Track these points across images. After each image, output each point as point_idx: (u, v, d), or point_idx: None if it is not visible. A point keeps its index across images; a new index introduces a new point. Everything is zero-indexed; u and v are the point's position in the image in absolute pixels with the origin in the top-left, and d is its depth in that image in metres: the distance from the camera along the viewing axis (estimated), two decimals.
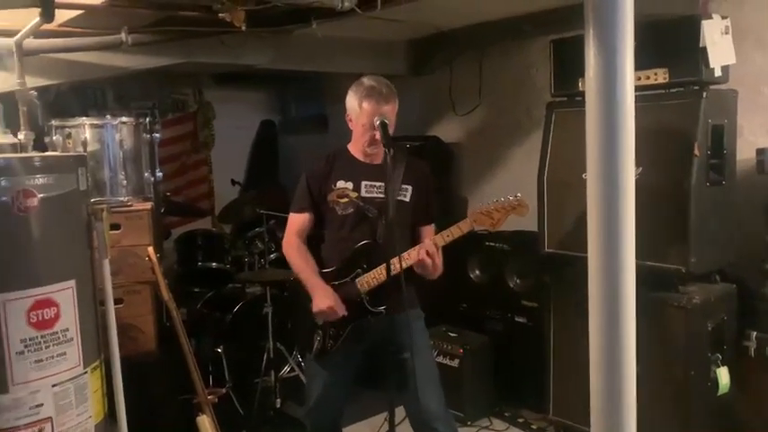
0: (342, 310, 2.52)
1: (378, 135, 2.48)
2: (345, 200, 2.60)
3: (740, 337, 3.03)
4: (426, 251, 2.45)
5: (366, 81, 2.54)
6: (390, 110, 2.51)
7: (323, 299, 2.51)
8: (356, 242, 2.58)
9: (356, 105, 2.53)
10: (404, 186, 2.63)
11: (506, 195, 2.52)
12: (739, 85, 3.08)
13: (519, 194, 2.51)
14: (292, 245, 2.66)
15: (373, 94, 2.48)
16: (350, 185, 2.60)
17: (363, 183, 2.61)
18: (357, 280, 2.57)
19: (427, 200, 2.71)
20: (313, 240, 2.72)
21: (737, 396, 3.01)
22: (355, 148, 2.65)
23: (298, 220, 2.68)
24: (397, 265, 2.36)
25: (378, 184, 2.59)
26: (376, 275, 2.53)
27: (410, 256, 2.48)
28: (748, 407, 3.00)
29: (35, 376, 1.93)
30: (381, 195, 2.58)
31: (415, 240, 2.65)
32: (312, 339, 2.62)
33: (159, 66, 3.52)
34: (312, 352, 2.64)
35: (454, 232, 2.49)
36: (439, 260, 2.49)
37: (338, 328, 2.60)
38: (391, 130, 2.51)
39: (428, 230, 2.70)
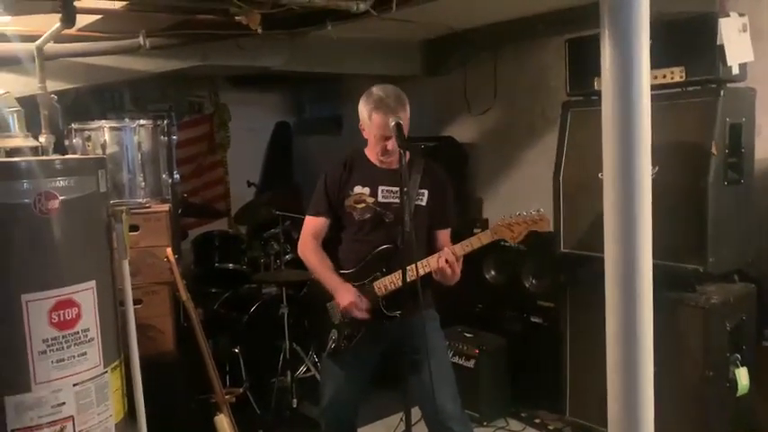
0: (365, 305, 2.54)
1: (390, 145, 2.52)
2: (362, 205, 2.61)
3: (760, 338, 3.00)
4: (446, 259, 2.46)
5: (375, 92, 2.55)
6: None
7: (345, 295, 2.54)
8: (374, 245, 2.60)
9: (366, 117, 2.56)
10: (420, 191, 2.64)
11: (528, 209, 2.53)
12: (757, 84, 3.05)
13: (541, 209, 2.52)
14: (309, 247, 2.68)
15: (381, 107, 2.49)
16: (367, 191, 2.62)
17: (380, 188, 2.62)
18: (375, 283, 2.59)
19: (444, 204, 2.72)
20: (329, 243, 2.73)
21: (757, 397, 2.99)
22: (371, 154, 2.67)
23: (314, 224, 2.70)
24: (414, 272, 2.36)
25: (395, 189, 2.59)
26: (393, 280, 2.55)
27: (429, 264, 2.50)
28: None
29: (57, 375, 1.95)
30: (398, 201, 2.58)
31: (431, 244, 2.67)
32: (327, 338, 2.64)
33: (176, 69, 3.56)
34: (326, 351, 2.67)
35: (474, 243, 2.51)
36: (458, 269, 2.50)
37: (353, 329, 2.62)
38: None
39: (444, 235, 2.72)
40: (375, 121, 2.51)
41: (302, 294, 2.78)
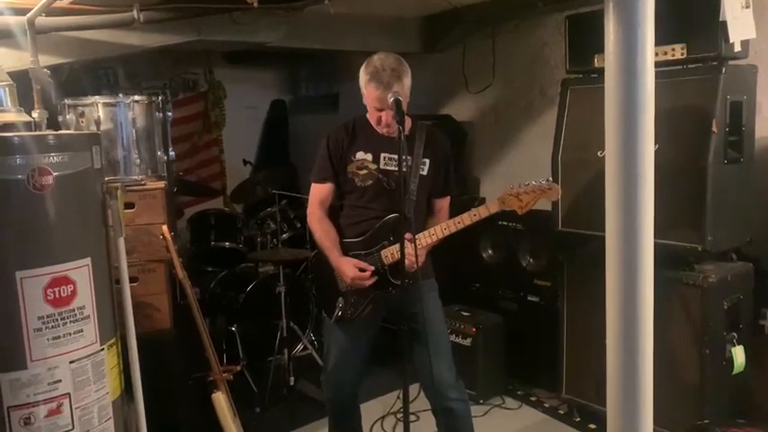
0: (368, 278, 2.58)
1: (384, 117, 2.52)
2: (365, 171, 2.61)
3: (756, 316, 3.01)
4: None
5: (374, 61, 2.51)
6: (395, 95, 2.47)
7: (347, 270, 2.58)
8: (378, 214, 2.60)
9: (363, 85, 2.55)
10: (423, 159, 2.65)
11: (537, 179, 2.52)
12: (758, 61, 3.02)
13: (550, 178, 2.51)
14: (315, 217, 2.69)
15: (374, 80, 2.47)
16: (369, 157, 2.62)
17: (382, 155, 2.62)
18: (382, 252, 2.60)
19: (445, 173, 2.74)
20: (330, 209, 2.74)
21: (753, 375, 3.00)
22: (372, 120, 2.65)
23: (320, 191, 2.69)
24: (421, 241, 2.50)
25: (395, 156, 2.58)
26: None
27: (436, 233, 2.54)
28: (764, 386, 2.99)
29: (53, 353, 1.94)
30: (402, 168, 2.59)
31: (430, 212, 2.73)
32: (334, 305, 2.66)
33: (171, 44, 3.49)
34: (333, 317, 2.68)
35: (481, 212, 2.53)
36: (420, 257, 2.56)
37: (360, 297, 2.64)
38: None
39: (441, 203, 2.76)
40: (369, 92, 2.51)
41: (313, 260, 2.80)
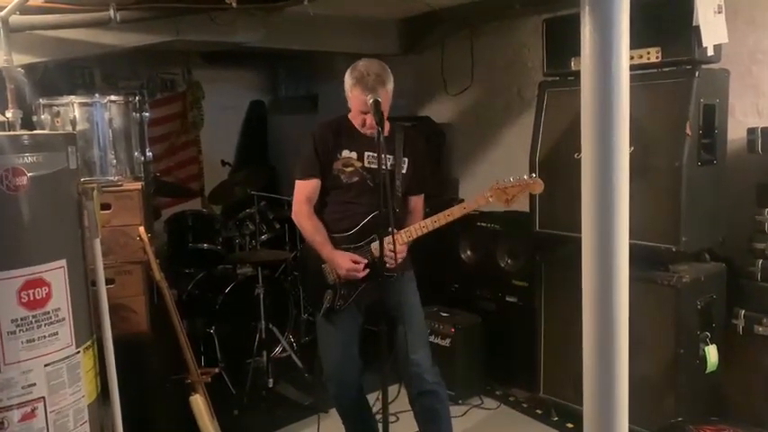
0: (361, 269, 2.66)
1: (368, 119, 2.60)
2: (351, 169, 2.70)
3: (729, 316, 3.06)
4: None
5: (359, 67, 2.60)
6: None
7: (342, 262, 2.65)
8: (365, 209, 2.68)
9: (348, 89, 2.64)
10: (403, 159, 2.76)
11: (521, 174, 2.65)
12: (730, 65, 3.08)
13: (533, 174, 2.65)
14: (304, 213, 2.73)
15: (360, 84, 2.57)
16: (354, 155, 2.72)
17: (366, 153, 2.72)
18: (371, 246, 2.67)
19: (422, 171, 2.85)
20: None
21: (726, 374, 3.06)
22: (355, 121, 2.73)
23: (307, 187, 2.74)
24: (412, 232, 2.66)
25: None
26: (389, 242, 2.60)
27: (426, 225, 2.64)
28: (736, 384, 3.04)
29: (27, 356, 1.91)
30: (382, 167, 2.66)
31: (407, 209, 2.84)
32: (322, 298, 2.71)
33: (148, 43, 3.46)
34: (321, 311, 2.73)
35: (470, 205, 2.66)
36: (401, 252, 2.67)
37: (350, 289, 2.71)
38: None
39: (417, 201, 2.87)
40: (354, 95, 2.61)
41: (298, 255, 2.85)
